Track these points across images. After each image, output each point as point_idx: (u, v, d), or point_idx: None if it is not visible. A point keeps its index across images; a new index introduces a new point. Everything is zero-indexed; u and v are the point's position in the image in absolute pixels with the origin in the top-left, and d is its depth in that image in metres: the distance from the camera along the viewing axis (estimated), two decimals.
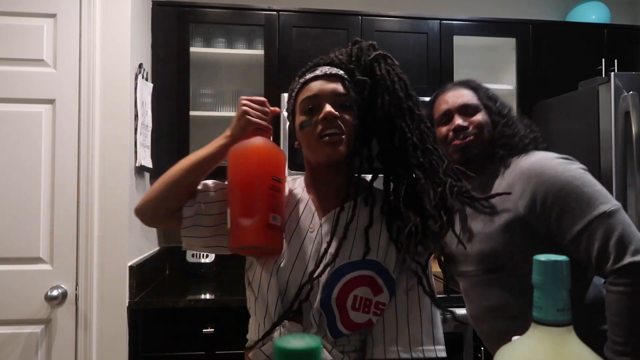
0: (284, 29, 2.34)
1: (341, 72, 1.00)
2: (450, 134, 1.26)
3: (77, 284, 1.84)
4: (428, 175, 0.91)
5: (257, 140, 0.97)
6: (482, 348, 1.92)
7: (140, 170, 2.07)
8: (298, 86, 1.02)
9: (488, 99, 1.32)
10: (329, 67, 1.02)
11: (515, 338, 0.54)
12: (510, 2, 2.91)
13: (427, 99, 2.34)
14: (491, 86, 1.42)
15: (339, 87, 0.97)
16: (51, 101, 1.85)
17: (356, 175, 0.96)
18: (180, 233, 1.02)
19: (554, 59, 2.52)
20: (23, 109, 1.84)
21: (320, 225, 0.98)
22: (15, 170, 1.82)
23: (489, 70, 2.74)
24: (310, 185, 1.05)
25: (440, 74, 2.43)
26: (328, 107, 0.94)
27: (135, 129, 1.99)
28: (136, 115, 1.99)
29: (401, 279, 0.95)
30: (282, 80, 2.32)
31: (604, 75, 2.35)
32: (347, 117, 0.96)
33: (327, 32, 2.37)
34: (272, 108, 1.05)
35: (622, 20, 2.95)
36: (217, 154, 1.00)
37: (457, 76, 2.48)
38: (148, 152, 2.15)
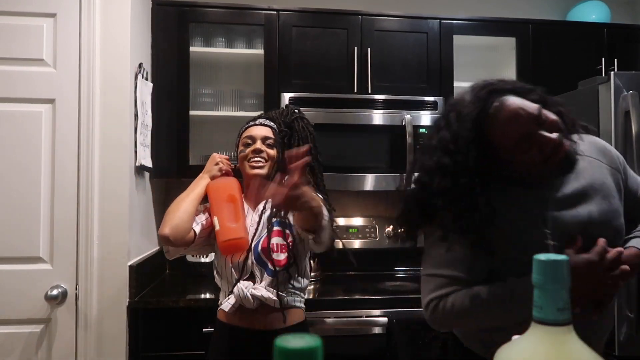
0: (283, 28, 2.34)
1: (273, 123, 1.61)
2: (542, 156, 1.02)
3: (77, 284, 1.84)
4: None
5: (230, 178, 1.60)
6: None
7: (140, 169, 2.07)
8: (244, 128, 1.61)
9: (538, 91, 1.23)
10: (264, 119, 1.62)
11: (515, 337, 0.54)
12: (510, 1, 2.91)
13: (427, 98, 2.37)
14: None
15: (268, 132, 1.57)
16: (51, 101, 1.85)
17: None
18: (192, 247, 1.54)
19: (554, 58, 2.51)
20: (23, 109, 1.84)
21: (252, 218, 1.54)
22: (15, 169, 1.82)
23: (489, 70, 2.73)
24: (247, 196, 1.59)
25: (440, 74, 2.43)
26: (258, 144, 1.54)
27: (135, 129, 1.99)
28: (136, 115, 1.98)
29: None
30: (281, 80, 2.32)
31: (603, 75, 2.35)
32: (270, 152, 1.55)
33: (327, 31, 2.37)
34: (230, 164, 1.64)
35: (622, 20, 2.95)
36: (204, 189, 1.56)
37: (457, 75, 2.48)
38: (148, 151, 2.15)
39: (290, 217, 1.52)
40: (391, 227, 2.61)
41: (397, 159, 2.31)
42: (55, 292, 1.79)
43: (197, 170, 2.32)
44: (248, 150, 1.53)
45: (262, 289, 1.46)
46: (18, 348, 1.80)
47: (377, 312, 1.96)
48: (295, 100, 2.26)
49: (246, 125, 1.61)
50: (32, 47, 1.85)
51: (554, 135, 1.00)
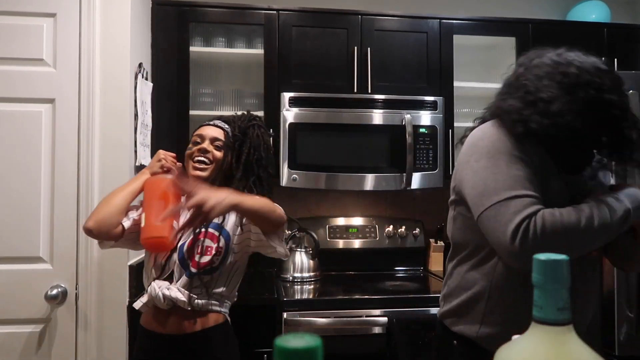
0: (283, 28, 2.34)
1: (226, 126, 1.57)
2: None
3: (77, 284, 1.84)
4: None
5: (168, 176, 1.50)
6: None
7: (140, 169, 2.06)
8: (198, 127, 1.59)
9: None
10: (220, 121, 1.59)
11: (515, 337, 0.54)
12: (510, 1, 2.90)
13: (427, 98, 2.37)
14: (491, 85, 1.37)
15: (219, 134, 1.54)
16: (51, 101, 1.85)
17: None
18: (121, 241, 1.50)
19: None
20: (23, 109, 1.83)
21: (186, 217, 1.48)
22: (15, 169, 1.82)
23: (489, 70, 2.73)
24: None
25: (440, 73, 2.43)
26: (205, 144, 1.51)
27: (135, 129, 1.99)
28: (136, 115, 1.98)
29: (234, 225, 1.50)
30: (281, 80, 2.32)
31: None
32: (216, 153, 1.51)
33: (327, 31, 2.37)
34: (176, 163, 1.58)
35: (622, 20, 2.94)
36: (141, 185, 1.50)
37: (457, 75, 2.48)
38: (148, 151, 2.15)
39: (229, 222, 1.48)
40: (391, 226, 2.61)
41: (397, 159, 2.31)
42: (55, 292, 1.79)
43: None
44: (194, 148, 1.51)
45: (174, 290, 1.41)
46: (18, 348, 1.80)
47: (377, 312, 1.96)
48: (295, 100, 2.26)
49: (200, 125, 1.60)
50: (32, 47, 1.85)
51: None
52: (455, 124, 2.45)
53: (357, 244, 2.58)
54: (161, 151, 1.58)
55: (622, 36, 2.58)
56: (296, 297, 2.05)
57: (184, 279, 1.42)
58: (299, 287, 2.23)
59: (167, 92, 2.27)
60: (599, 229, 0.99)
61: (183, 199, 1.45)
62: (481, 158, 1.09)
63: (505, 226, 0.99)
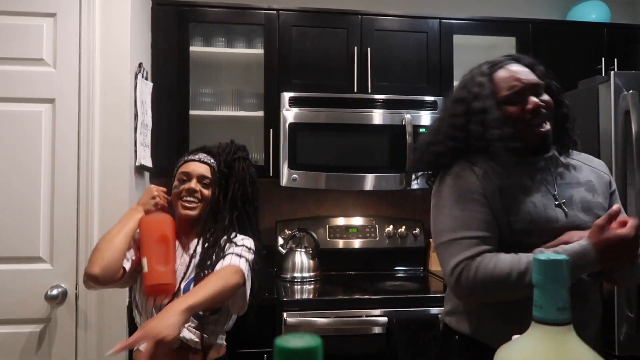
0: (283, 28, 2.34)
1: (212, 160, 1.54)
2: (527, 115, 1.17)
3: (77, 284, 1.84)
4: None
5: (165, 215, 1.50)
6: None
7: (140, 169, 2.07)
8: (182, 161, 1.56)
9: (546, 77, 1.24)
10: (205, 154, 1.55)
11: (515, 337, 0.54)
12: (510, 1, 2.90)
13: (427, 98, 2.37)
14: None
15: (206, 171, 1.51)
16: (51, 100, 1.85)
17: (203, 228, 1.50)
18: (120, 283, 1.45)
19: (554, 58, 2.51)
20: (23, 109, 1.83)
21: (183, 258, 1.50)
22: (15, 169, 1.82)
23: None
24: (179, 231, 1.52)
25: (440, 73, 2.44)
26: (193, 183, 1.49)
27: (135, 129, 1.99)
28: (136, 115, 1.98)
29: None
30: (281, 80, 2.32)
31: (603, 74, 2.35)
32: (205, 192, 1.50)
33: (327, 31, 2.37)
34: (168, 199, 1.56)
35: (622, 20, 2.94)
36: (137, 224, 1.47)
37: (457, 75, 2.47)
38: (148, 151, 2.15)
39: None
40: (391, 226, 2.61)
41: (397, 159, 2.31)
42: (55, 291, 1.79)
43: None
44: (182, 187, 1.49)
45: (184, 330, 1.37)
46: (18, 348, 1.80)
47: (377, 312, 1.96)
48: (295, 100, 2.26)
49: (185, 159, 1.56)
50: (32, 46, 1.85)
51: (539, 100, 1.16)
52: None
53: (357, 244, 2.58)
54: (153, 186, 1.56)
55: (622, 36, 2.58)
56: (296, 297, 2.05)
57: (192, 320, 1.39)
58: (299, 287, 2.23)
59: (167, 92, 2.27)
60: (528, 285, 1.01)
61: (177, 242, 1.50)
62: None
63: (445, 267, 1.13)
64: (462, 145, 1.20)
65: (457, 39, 2.47)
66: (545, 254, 0.50)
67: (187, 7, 2.30)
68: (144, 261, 1.39)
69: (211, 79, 2.56)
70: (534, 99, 1.17)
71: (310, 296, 2.11)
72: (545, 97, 1.20)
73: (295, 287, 2.22)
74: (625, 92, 1.93)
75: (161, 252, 1.39)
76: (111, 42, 1.90)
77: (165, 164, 2.26)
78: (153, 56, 2.27)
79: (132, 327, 1.89)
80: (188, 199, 1.47)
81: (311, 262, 2.35)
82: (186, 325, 1.36)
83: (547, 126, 1.18)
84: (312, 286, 2.25)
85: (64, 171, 1.84)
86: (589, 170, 1.26)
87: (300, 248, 2.35)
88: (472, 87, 1.21)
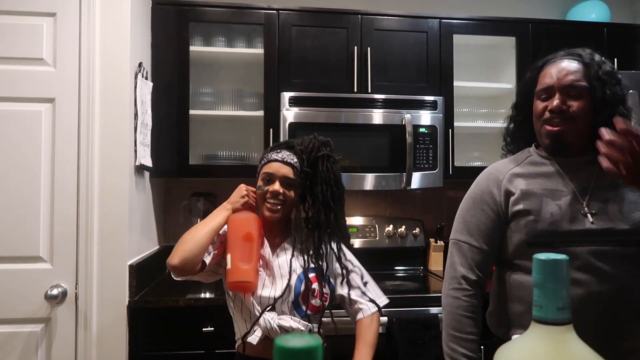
0: (283, 27, 2.34)
1: (295, 159, 1.50)
2: (547, 113, 1.21)
3: (77, 283, 1.84)
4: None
5: (253, 215, 1.49)
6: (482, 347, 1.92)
7: (140, 169, 2.07)
8: (264, 161, 1.52)
9: (598, 80, 1.21)
10: (288, 152, 1.51)
11: (515, 337, 0.54)
12: (510, 1, 2.91)
13: (427, 97, 2.37)
14: (491, 85, 1.40)
15: (289, 172, 1.47)
16: (51, 100, 1.85)
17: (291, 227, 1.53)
18: (199, 275, 1.48)
19: None
20: (23, 108, 1.83)
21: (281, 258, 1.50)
22: (15, 169, 1.82)
23: (489, 69, 2.74)
24: (265, 231, 1.53)
25: (440, 73, 2.43)
26: (277, 186, 1.46)
27: (135, 128, 1.99)
28: (136, 114, 1.98)
29: (336, 275, 1.55)
30: (281, 79, 2.32)
31: None
32: (288, 193, 1.47)
33: (326, 31, 2.37)
34: (255, 198, 1.54)
35: (622, 19, 2.95)
36: (224, 222, 1.47)
37: (457, 75, 2.48)
38: (148, 151, 2.15)
39: (333, 271, 1.54)
40: (391, 226, 2.61)
41: (397, 159, 2.31)
42: (55, 291, 1.79)
43: (197, 169, 2.34)
44: (266, 189, 1.48)
45: (288, 319, 1.42)
46: (18, 347, 1.80)
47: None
48: (295, 100, 2.26)
49: (267, 158, 1.52)
50: (32, 46, 1.85)
51: (561, 103, 1.17)
52: (455, 124, 2.45)
53: (357, 243, 2.58)
54: (243, 186, 1.54)
55: (622, 36, 2.58)
56: None
57: (297, 316, 1.45)
58: None
59: (167, 91, 2.27)
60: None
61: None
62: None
63: (448, 269, 1.33)
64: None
65: (457, 38, 2.47)
66: (545, 253, 0.50)
67: (187, 7, 2.30)
68: (228, 258, 1.42)
69: (211, 79, 2.56)
70: (557, 100, 1.18)
71: None
72: (575, 102, 1.18)
73: None
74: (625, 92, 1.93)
75: (245, 250, 1.42)
76: (111, 41, 1.90)
77: (165, 163, 2.26)
78: (153, 56, 2.27)
79: (132, 327, 1.90)
80: (272, 201, 1.47)
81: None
82: (288, 315, 1.44)
83: (560, 127, 1.18)
84: None
85: (64, 171, 1.84)
86: None
87: None
88: (523, 82, 1.32)
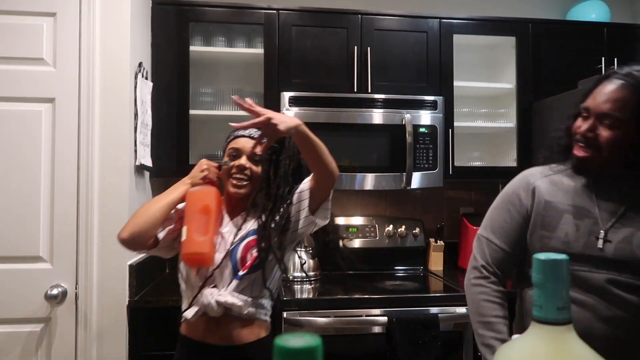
0: (283, 27, 2.34)
1: None
2: (577, 135, 1.19)
3: (77, 283, 1.84)
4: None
5: (211, 188, 1.46)
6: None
7: (140, 169, 2.07)
8: (231, 137, 1.50)
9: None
10: (256, 129, 1.46)
11: (515, 336, 0.54)
12: (510, 0, 2.91)
13: (427, 97, 2.37)
14: (491, 85, 1.37)
15: (256, 147, 1.37)
16: (51, 100, 1.85)
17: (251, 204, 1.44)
18: (154, 250, 1.45)
19: (554, 57, 2.51)
20: (23, 108, 1.83)
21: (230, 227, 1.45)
22: (15, 169, 1.82)
23: (489, 69, 2.74)
24: (228, 207, 1.50)
25: (440, 73, 2.44)
26: (243, 160, 1.43)
27: (135, 128, 1.99)
28: (136, 114, 1.98)
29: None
30: (281, 79, 2.32)
31: (603, 74, 2.34)
32: (255, 169, 1.44)
33: (326, 31, 2.37)
34: (217, 172, 1.49)
35: (622, 19, 2.95)
36: (182, 197, 1.43)
37: (457, 75, 2.48)
38: (148, 150, 2.15)
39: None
40: (391, 226, 2.61)
41: (397, 159, 2.31)
42: (55, 291, 1.79)
43: None
44: (233, 164, 1.45)
45: (227, 295, 1.36)
46: (18, 347, 1.80)
47: (376, 311, 1.96)
48: (295, 100, 2.26)
49: (235, 134, 1.50)
50: (32, 46, 1.85)
51: (587, 130, 1.15)
52: (455, 124, 2.45)
53: (357, 243, 2.58)
54: (204, 160, 1.50)
55: (622, 36, 2.58)
56: (296, 297, 2.05)
57: (233, 283, 1.38)
58: (299, 286, 2.23)
59: (167, 91, 2.27)
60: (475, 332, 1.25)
61: (224, 213, 1.48)
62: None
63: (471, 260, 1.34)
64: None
65: (457, 38, 2.47)
66: (545, 253, 0.50)
67: (187, 7, 2.30)
68: (184, 230, 1.38)
69: (211, 79, 2.56)
70: (586, 125, 1.16)
71: (310, 296, 2.11)
72: (606, 132, 1.13)
73: (295, 286, 2.22)
74: None
75: (202, 222, 1.37)
76: (111, 41, 1.90)
77: (165, 163, 2.26)
78: (153, 56, 2.27)
79: (132, 327, 1.90)
80: (238, 176, 1.43)
81: (311, 261, 2.35)
82: (227, 290, 1.36)
83: (585, 153, 1.16)
84: (312, 286, 2.25)
85: (64, 171, 1.84)
86: None
87: (300, 247, 2.35)
88: (582, 93, 1.27)
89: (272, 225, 1.40)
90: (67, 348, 1.83)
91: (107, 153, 1.88)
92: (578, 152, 1.18)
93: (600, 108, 1.13)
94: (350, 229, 2.60)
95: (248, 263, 1.38)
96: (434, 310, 1.97)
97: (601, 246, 1.13)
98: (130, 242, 1.36)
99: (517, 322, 1.35)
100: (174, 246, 1.46)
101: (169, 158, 2.27)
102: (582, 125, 1.18)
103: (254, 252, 1.38)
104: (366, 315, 1.96)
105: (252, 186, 1.45)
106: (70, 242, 1.84)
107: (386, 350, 1.91)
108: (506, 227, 1.27)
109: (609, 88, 1.14)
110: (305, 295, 2.12)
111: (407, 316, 1.93)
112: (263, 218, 1.40)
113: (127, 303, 1.88)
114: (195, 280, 1.41)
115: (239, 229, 1.43)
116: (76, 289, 1.84)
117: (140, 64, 2.05)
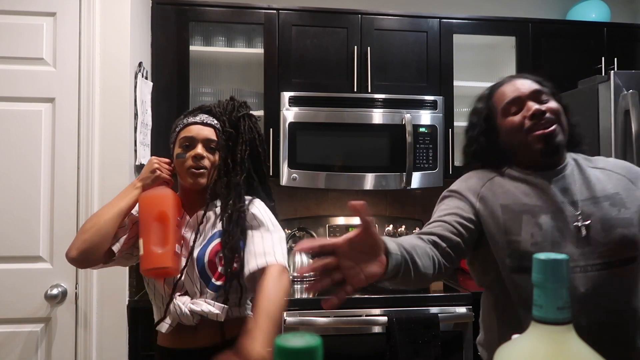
0: (283, 27, 2.34)
1: (215, 121, 1.37)
2: (527, 122, 1.12)
3: (77, 283, 1.84)
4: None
5: (166, 190, 1.32)
6: None
7: (140, 168, 2.07)
8: (180, 126, 1.37)
9: (554, 89, 1.19)
10: (207, 115, 1.38)
11: (515, 336, 0.54)
12: (510, 0, 2.91)
13: (427, 97, 2.37)
14: (490, 84, 1.36)
15: (211, 134, 1.34)
16: (51, 100, 1.85)
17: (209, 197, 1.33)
18: (111, 263, 1.34)
19: (554, 57, 2.51)
20: (23, 108, 1.84)
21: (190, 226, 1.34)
22: (15, 168, 1.82)
23: (489, 69, 2.74)
24: (186, 203, 1.37)
25: (440, 73, 2.44)
26: (199, 149, 1.31)
27: (135, 128, 1.99)
28: (136, 114, 1.98)
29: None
30: (281, 79, 2.32)
31: (603, 74, 2.35)
32: (212, 157, 1.33)
33: (326, 30, 2.37)
34: (170, 169, 1.38)
35: (622, 19, 2.95)
36: (134, 203, 1.31)
37: (457, 75, 2.48)
38: (148, 150, 2.15)
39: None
40: (391, 226, 2.61)
41: (397, 158, 2.31)
42: (55, 291, 1.79)
43: None
44: (187, 155, 1.31)
45: (202, 304, 1.25)
46: (18, 347, 1.80)
47: (376, 311, 1.96)
48: (295, 99, 2.26)
49: (184, 122, 1.37)
50: (32, 46, 1.85)
51: (541, 106, 1.12)
52: (455, 124, 2.45)
53: None
54: (154, 158, 1.37)
55: (622, 36, 2.58)
56: (296, 297, 2.05)
57: (208, 293, 1.27)
58: (299, 286, 2.23)
59: (167, 91, 2.27)
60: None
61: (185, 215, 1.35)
62: None
63: None
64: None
65: (457, 38, 2.47)
66: (545, 253, 0.50)
67: (187, 7, 2.30)
68: (140, 243, 1.25)
69: (211, 79, 2.56)
70: (533, 103, 1.13)
71: (310, 296, 2.11)
72: (551, 103, 1.13)
73: (295, 287, 2.22)
74: (625, 92, 1.93)
75: (159, 231, 1.24)
76: (111, 41, 1.90)
77: None
78: (153, 55, 2.27)
79: (132, 327, 1.90)
80: (195, 167, 1.30)
81: (311, 261, 2.34)
82: (202, 299, 1.26)
83: (552, 128, 1.10)
84: None
85: (64, 171, 1.84)
86: (616, 179, 1.13)
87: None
88: (472, 111, 1.28)
89: (232, 227, 1.29)
90: (67, 348, 1.83)
91: (107, 153, 1.88)
92: (545, 129, 1.10)
93: (529, 88, 1.15)
94: (350, 229, 2.60)
95: (219, 270, 1.28)
96: (433, 310, 1.97)
97: (581, 238, 1.06)
98: (81, 261, 1.26)
99: (499, 315, 1.17)
100: (134, 253, 1.35)
101: (169, 158, 2.26)
102: (524, 112, 1.13)
103: (222, 255, 1.28)
104: (366, 315, 1.96)
105: (211, 176, 1.34)
106: (70, 241, 1.82)
107: (386, 351, 1.91)
108: (456, 211, 1.13)
109: (517, 81, 1.20)
110: (305, 296, 2.12)
111: (407, 316, 1.93)
112: (225, 220, 1.29)
113: (127, 303, 1.88)
114: (163, 289, 1.30)
115: (202, 228, 1.32)
116: (76, 289, 1.84)
117: (140, 64, 2.05)
